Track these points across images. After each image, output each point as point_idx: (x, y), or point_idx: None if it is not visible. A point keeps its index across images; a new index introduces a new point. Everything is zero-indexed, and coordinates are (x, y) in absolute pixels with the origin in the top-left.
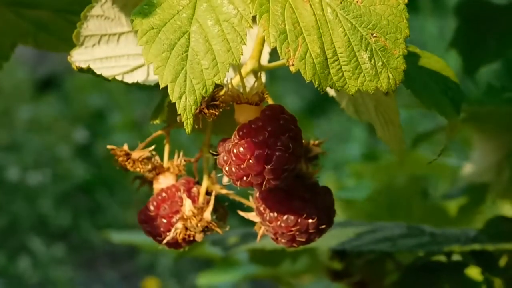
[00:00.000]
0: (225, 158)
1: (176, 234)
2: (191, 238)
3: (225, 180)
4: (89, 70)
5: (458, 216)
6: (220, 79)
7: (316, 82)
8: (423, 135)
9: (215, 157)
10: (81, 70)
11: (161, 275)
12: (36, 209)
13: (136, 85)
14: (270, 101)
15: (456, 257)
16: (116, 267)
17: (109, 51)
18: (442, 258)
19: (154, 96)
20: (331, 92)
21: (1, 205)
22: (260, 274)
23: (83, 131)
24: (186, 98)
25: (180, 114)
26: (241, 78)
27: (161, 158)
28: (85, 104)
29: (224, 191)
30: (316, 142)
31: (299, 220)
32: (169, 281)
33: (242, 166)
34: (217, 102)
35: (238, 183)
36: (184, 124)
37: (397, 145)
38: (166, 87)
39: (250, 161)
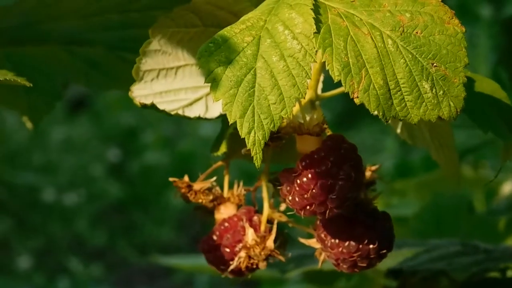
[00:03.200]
0: (289, 188)
1: (240, 263)
2: (254, 266)
3: (282, 207)
4: (152, 106)
5: (506, 230)
6: (287, 114)
7: (380, 113)
8: (467, 151)
9: (275, 185)
10: (144, 106)
11: None
12: (73, 229)
13: (198, 119)
14: (328, 131)
15: (510, 274)
16: (153, 285)
17: (168, 85)
18: (496, 274)
19: None
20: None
21: (38, 226)
22: None
23: (115, 149)
24: (255, 133)
25: (246, 148)
26: (301, 109)
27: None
28: (117, 123)
29: (284, 219)
30: (373, 168)
31: (361, 246)
32: None
33: (306, 195)
34: (280, 134)
35: (302, 213)
36: (254, 158)
37: (452, 168)
38: (229, 123)
39: (314, 190)
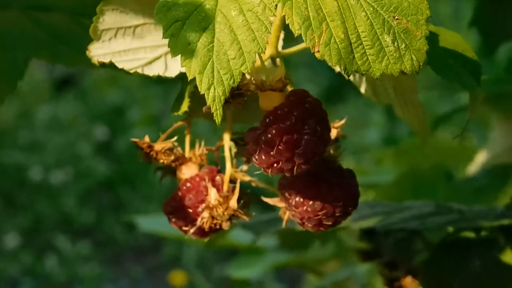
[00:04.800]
0: (254, 147)
1: (203, 223)
2: (218, 227)
3: (244, 167)
4: (110, 65)
5: (483, 198)
6: (247, 69)
7: (342, 67)
8: (443, 117)
9: (238, 144)
10: (102, 65)
11: (186, 267)
12: (60, 208)
13: (157, 78)
14: (291, 87)
15: (484, 233)
16: (141, 262)
17: (126, 44)
18: (470, 234)
19: (171, 90)
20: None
21: (25, 205)
22: (287, 262)
23: (102, 127)
24: (214, 89)
25: (207, 105)
26: (263, 65)
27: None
28: (104, 101)
29: (247, 178)
30: (336, 124)
31: (326, 204)
32: (195, 273)
33: (272, 153)
34: (242, 91)
35: (269, 171)
36: (214, 114)
37: (419, 125)
38: (188, 79)
39: (280, 147)
